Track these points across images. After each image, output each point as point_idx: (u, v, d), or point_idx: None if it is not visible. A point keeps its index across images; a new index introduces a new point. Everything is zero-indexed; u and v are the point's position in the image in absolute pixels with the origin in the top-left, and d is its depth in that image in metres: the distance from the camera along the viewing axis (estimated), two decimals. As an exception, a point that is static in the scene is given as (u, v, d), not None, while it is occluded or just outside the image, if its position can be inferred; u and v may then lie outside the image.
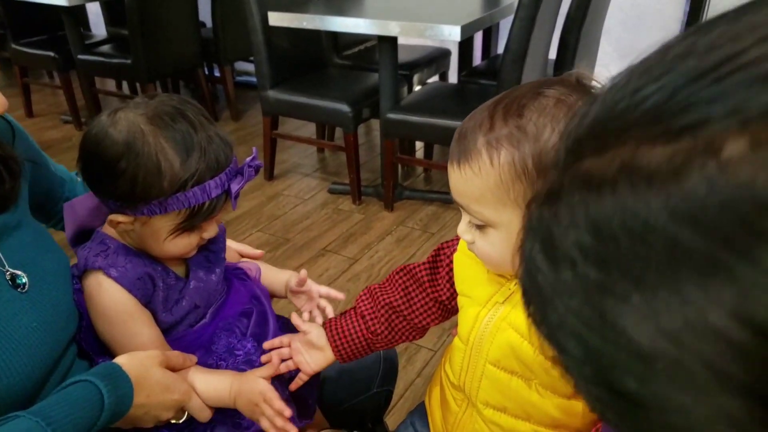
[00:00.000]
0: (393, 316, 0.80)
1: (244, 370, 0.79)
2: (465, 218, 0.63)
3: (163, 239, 0.72)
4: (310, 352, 0.82)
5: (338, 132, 3.09)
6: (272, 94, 2.50)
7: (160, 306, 0.77)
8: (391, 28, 2.05)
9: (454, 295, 0.76)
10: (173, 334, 0.80)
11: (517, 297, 0.64)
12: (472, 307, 0.68)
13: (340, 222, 2.41)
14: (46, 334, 0.65)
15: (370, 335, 0.80)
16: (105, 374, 0.64)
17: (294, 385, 0.83)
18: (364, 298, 0.82)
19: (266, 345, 0.82)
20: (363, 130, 3.30)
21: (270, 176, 2.75)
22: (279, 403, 0.74)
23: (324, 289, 0.90)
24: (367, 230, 2.34)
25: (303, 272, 0.89)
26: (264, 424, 0.76)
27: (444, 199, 2.51)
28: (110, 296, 0.73)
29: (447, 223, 2.37)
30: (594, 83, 0.57)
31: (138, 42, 2.89)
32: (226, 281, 0.87)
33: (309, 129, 3.20)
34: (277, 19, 2.25)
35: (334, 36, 2.90)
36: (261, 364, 0.80)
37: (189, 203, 0.68)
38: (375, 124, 3.28)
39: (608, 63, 2.90)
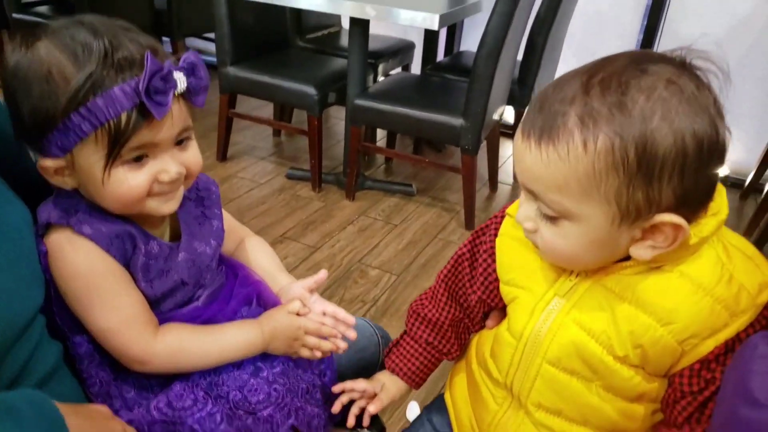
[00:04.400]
0: (460, 330, 0.77)
1: (260, 368, 0.72)
2: (530, 204, 0.56)
3: (101, 182, 0.60)
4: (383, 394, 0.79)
5: (296, 117, 3.00)
6: (232, 70, 2.38)
7: (139, 273, 0.66)
8: (366, 11, 1.99)
9: (491, 287, 0.70)
10: (157, 313, 0.70)
11: (581, 290, 0.59)
12: (526, 300, 0.63)
13: (299, 209, 2.33)
14: (2, 301, 0.54)
15: (443, 356, 0.78)
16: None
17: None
18: (422, 326, 0.77)
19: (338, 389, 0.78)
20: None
21: (223, 157, 2.63)
22: (326, 329, 0.72)
23: (330, 308, 0.76)
24: (327, 218, 2.27)
25: (322, 273, 0.77)
26: (305, 353, 0.72)
27: (406, 191, 2.48)
28: (82, 255, 0.62)
29: (409, 215, 2.34)
30: (702, 64, 0.51)
31: (85, 8, 2.69)
32: (231, 271, 0.78)
33: (264, 112, 3.09)
34: (245, -8, 2.14)
35: (298, 18, 2.80)
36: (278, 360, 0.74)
37: (97, 119, 0.57)
38: (333, 111, 3.22)
39: (568, 68, 2.95)
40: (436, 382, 1.55)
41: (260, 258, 0.82)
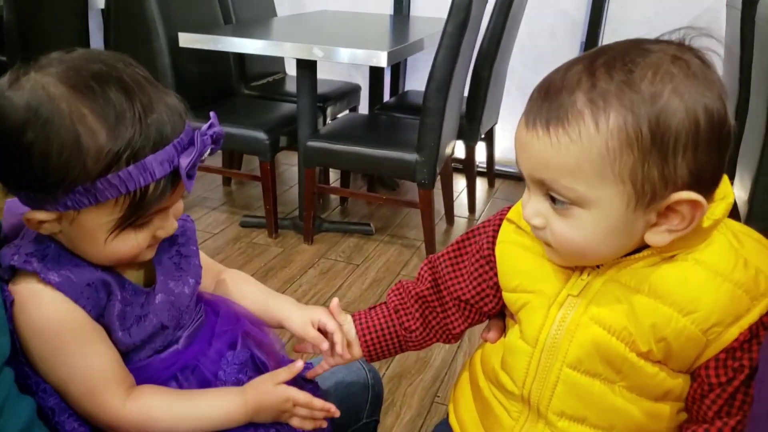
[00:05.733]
0: (426, 311, 0.71)
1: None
2: (538, 198, 0.54)
3: (102, 241, 0.56)
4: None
5: (245, 166, 2.95)
6: (179, 121, 2.32)
7: (116, 322, 0.60)
8: (314, 52, 1.99)
9: (483, 294, 0.68)
10: (135, 361, 0.64)
11: (595, 288, 0.57)
12: (538, 303, 0.60)
13: (256, 256, 2.25)
14: None
15: (403, 332, 0.71)
16: None
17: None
18: (394, 291, 0.73)
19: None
20: (270, 164, 3.18)
21: (173, 210, 2.54)
22: (317, 402, 0.65)
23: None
24: (287, 264, 2.21)
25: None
26: (295, 423, 0.66)
27: (364, 230, 2.45)
28: (49, 308, 0.56)
29: (371, 254, 2.30)
30: (700, 44, 0.51)
31: (16, 51, 2.59)
32: (211, 308, 0.72)
33: (212, 162, 3.02)
34: (188, 40, 2.11)
35: (242, 66, 2.79)
36: None
37: (126, 187, 0.53)
38: (283, 158, 3.19)
39: (513, 101, 3.04)
40: (414, 423, 1.49)
41: (248, 292, 0.77)
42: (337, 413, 0.67)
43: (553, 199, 0.53)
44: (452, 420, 0.74)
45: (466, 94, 2.47)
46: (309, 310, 0.75)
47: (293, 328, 0.74)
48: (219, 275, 0.79)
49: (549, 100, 0.50)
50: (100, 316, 0.60)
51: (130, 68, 0.57)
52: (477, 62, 2.42)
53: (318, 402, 0.66)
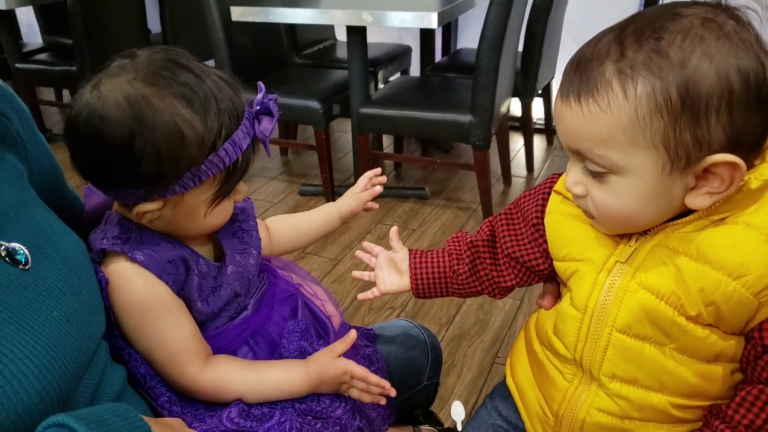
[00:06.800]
0: (477, 261, 0.75)
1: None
2: (575, 166, 0.55)
3: (202, 215, 0.63)
4: (391, 271, 0.79)
5: (300, 135, 3.00)
6: (235, 94, 2.38)
7: (195, 294, 0.66)
8: (363, 18, 1.98)
9: (533, 256, 0.70)
10: (211, 329, 0.70)
11: (643, 253, 0.57)
12: (587, 271, 0.61)
13: (316, 224, 2.31)
14: (73, 326, 0.54)
15: (451, 274, 0.76)
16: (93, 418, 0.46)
17: (362, 296, 0.80)
18: (452, 238, 0.79)
19: (361, 250, 0.83)
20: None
21: (234, 182, 2.63)
22: (373, 377, 0.69)
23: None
24: (345, 230, 2.25)
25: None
26: (354, 394, 0.70)
27: (419, 195, 2.46)
28: (137, 284, 0.62)
29: (426, 218, 2.32)
30: (739, 2, 0.50)
31: (83, 48, 2.70)
32: (270, 273, 0.78)
33: (270, 133, 3.08)
34: (240, 13, 2.14)
35: (293, 34, 2.81)
36: None
37: (223, 164, 0.59)
38: (336, 125, 3.22)
39: (569, 55, 2.93)
40: (475, 383, 1.52)
41: (299, 222, 0.86)
42: (392, 392, 0.71)
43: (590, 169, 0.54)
44: (509, 382, 0.76)
45: (520, 49, 2.40)
46: (348, 192, 0.86)
47: (350, 208, 0.86)
48: (268, 228, 0.85)
49: (580, 71, 0.51)
50: (180, 289, 0.66)
51: (184, 54, 0.61)
52: (531, 16, 2.34)
53: (374, 378, 0.69)
